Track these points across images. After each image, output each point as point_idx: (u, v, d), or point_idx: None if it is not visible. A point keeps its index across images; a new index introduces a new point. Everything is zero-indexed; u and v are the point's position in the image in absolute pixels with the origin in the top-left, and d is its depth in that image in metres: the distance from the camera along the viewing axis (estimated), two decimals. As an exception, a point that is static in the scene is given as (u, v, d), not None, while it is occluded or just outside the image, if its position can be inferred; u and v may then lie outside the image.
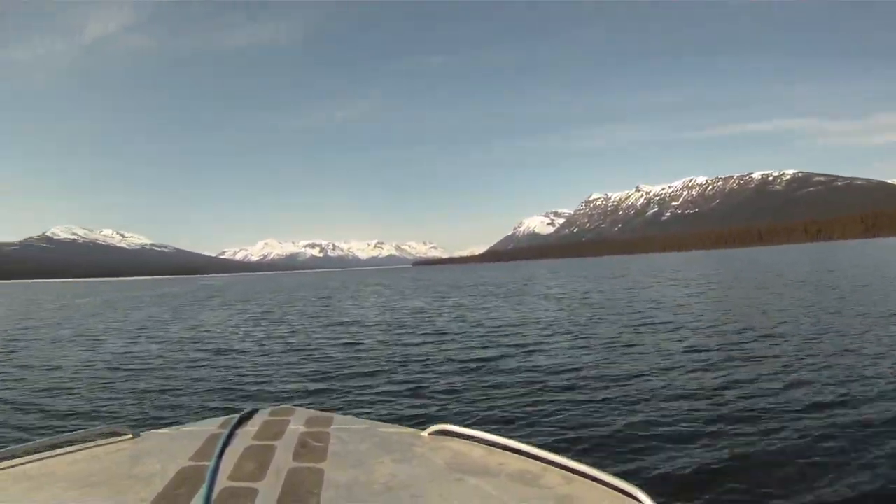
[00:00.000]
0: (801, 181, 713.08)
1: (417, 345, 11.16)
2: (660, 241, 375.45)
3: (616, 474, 1.36)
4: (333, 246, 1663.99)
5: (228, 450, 1.61)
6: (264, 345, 12.42)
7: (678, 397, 6.06)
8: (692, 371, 7.39)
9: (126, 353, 11.96)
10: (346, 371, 8.73)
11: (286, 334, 14.30)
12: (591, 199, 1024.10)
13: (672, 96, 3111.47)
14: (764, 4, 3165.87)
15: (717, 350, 8.79)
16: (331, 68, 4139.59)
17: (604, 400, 6.13)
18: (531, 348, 9.94)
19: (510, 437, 1.63)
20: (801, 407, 5.46)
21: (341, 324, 16.31)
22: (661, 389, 6.44)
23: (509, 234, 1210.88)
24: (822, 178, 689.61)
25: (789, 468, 4.04)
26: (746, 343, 9.28)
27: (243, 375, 8.86)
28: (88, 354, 11.86)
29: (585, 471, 1.41)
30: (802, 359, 7.71)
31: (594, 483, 1.38)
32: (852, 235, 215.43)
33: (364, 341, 12.17)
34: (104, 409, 6.81)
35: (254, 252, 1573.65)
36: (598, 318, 14.33)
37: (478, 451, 1.63)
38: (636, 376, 7.23)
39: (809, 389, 6.11)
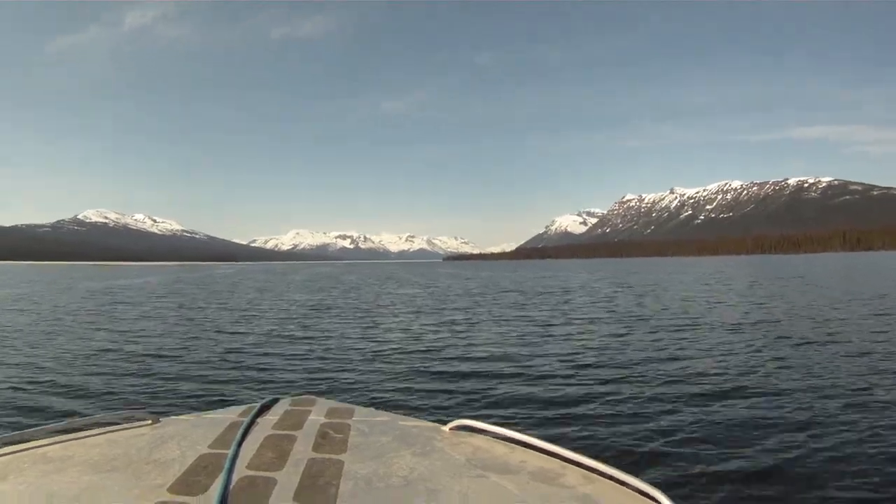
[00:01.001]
0: (837, 189, 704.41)
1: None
2: (695, 244, 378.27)
3: (636, 475, 1.34)
4: (364, 238, 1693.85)
5: (248, 438, 1.61)
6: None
7: (707, 401, 5.94)
8: (729, 375, 7.20)
9: None
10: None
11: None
12: (624, 199, 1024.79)
13: (708, 97, 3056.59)
14: (799, 7, 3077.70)
15: (763, 355, 8.49)
16: (369, 64, 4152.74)
17: (645, 399, 6.03)
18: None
19: (531, 435, 1.61)
20: (834, 418, 5.26)
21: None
22: (693, 393, 6.33)
23: (541, 231, 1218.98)
24: (858, 187, 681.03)
25: (811, 476, 3.98)
26: (801, 350, 8.82)
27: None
28: None
29: (606, 471, 1.40)
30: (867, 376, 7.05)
31: (615, 483, 1.37)
32: (893, 246, 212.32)
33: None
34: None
35: (284, 241, 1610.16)
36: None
37: (498, 448, 1.62)
38: (673, 377, 7.15)
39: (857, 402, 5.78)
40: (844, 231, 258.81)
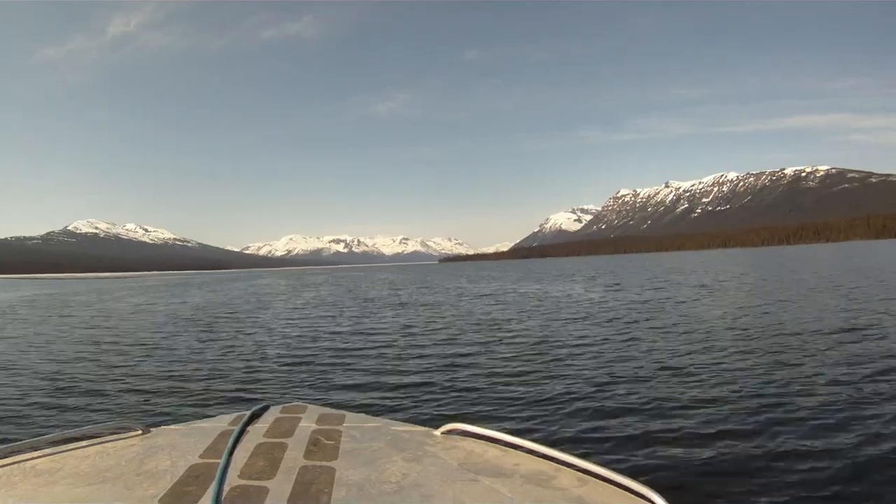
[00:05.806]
0: (835, 177, 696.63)
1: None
2: (702, 237, 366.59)
3: (631, 475, 1.34)
4: (358, 241, 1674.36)
5: (239, 447, 1.60)
6: None
7: (700, 400, 5.74)
8: (726, 374, 6.82)
9: None
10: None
11: None
12: (619, 195, 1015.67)
13: (702, 90, 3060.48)
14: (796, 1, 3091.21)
15: (760, 353, 7.97)
16: (358, 65, 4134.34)
17: (629, 399, 5.88)
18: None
19: (524, 437, 1.60)
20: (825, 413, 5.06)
21: None
22: (686, 391, 6.12)
23: (536, 230, 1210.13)
24: (855, 175, 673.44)
25: (807, 472, 3.86)
26: (802, 347, 8.16)
27: None
28: None
29: (600, 472, 1.39)
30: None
31: (608, 485, 1.37)
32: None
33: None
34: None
35: (278, 247, 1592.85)
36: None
37: (491, 451, 1.61)
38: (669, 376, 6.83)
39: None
40: (868, 217, 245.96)
